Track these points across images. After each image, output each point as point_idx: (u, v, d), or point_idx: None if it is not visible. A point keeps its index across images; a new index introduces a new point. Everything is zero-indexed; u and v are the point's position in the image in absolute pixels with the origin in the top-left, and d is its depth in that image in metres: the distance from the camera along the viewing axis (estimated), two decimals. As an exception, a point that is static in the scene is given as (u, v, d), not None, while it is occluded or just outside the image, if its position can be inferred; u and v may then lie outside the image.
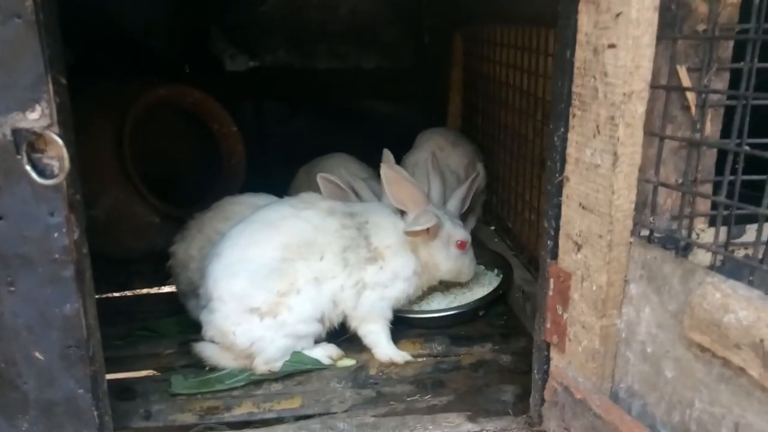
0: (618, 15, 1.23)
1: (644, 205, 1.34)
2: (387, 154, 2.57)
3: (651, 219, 1.32)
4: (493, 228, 2.88)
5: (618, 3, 1.23)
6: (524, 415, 1.71)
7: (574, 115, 1.39)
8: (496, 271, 2.48)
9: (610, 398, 1.42)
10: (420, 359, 2.08)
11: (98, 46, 2.96)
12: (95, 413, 1.51)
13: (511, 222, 2.68)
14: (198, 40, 3.39)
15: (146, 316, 2.48)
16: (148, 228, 2.72)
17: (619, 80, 1.25)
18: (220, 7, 3.35)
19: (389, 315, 2.08)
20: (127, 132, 2.53)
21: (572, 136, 1.41)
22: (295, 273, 1.91)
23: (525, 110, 2.41)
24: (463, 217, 2.64)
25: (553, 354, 1.56)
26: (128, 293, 2.74)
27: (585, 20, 1.33)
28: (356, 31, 3.50)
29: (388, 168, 2.05)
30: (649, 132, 1.28)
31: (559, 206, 1.48)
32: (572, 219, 1.43)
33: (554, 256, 1.51)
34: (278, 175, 3.00)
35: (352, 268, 1.99)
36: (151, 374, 2.06)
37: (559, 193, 1.47)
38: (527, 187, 2.45)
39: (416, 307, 2.27)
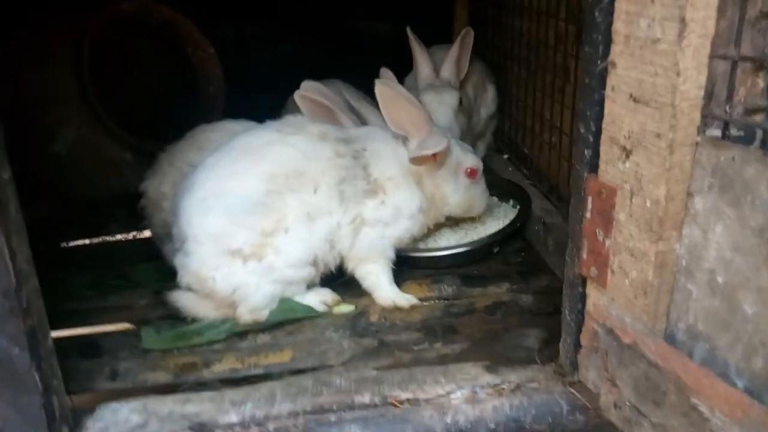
0: None
1: (712, 94, 1.02)
2: (385, 71, 2.24)
3: (726, 109, 1.00)
4: (506, 156, 2.57)
5: None
6: (553, 363, 1.44)
7: (623, -22, 1.06)
8: (511, 202, 2.18)
9: (664, 341, 1.14)
10: (427, 303, 1.80)
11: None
12: (36, 376, 1.25)
13: (528, 147, 2.36)
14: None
15: (121, 263, 2.21)
16: (119, 165, 2.43)
17: None
18: None
19: (391, 254, 1.80)
20: (86, 55, 2.20)
21: (621, 6, 1.08)
22: (283, 208, 1.62)
23: (545, 10, 2.06)
24: (473, 144, 2.33)
25: (591, 290, 1.27)
26: (102, 239, 2.47)
27: None
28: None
29: (383, 85, 1.72)
30: (727, -11, 0.95)
31: (600, 103, 1.16)
32: (619, 117, 1.12)
33: (593, 168, 1.21)
34: (263, 105, 2.67)
35: (349, 203, 1.69)
36: (120, 328, 1.80)
37: (602, 85, 1.15)
38: (546, 104, 2.12)
39: (422, 245, 1.98)
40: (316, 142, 1.70)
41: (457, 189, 1.84)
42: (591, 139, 1.19)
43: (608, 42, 1.12)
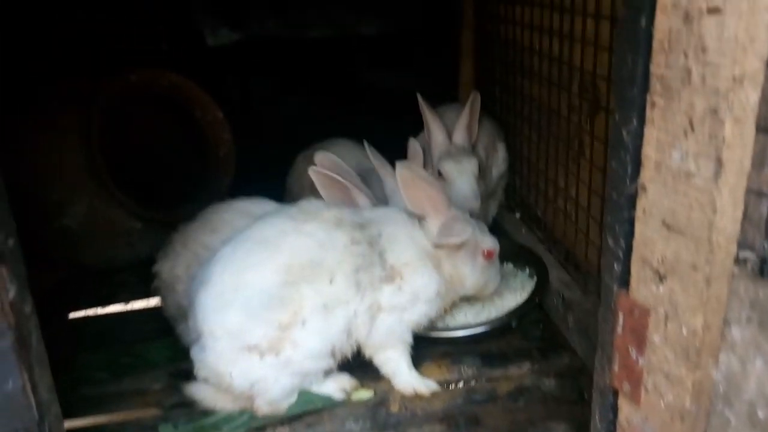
0: (724, -34, 0.87)
1: (749, 224, 1.00)
2: (413, 143, 2.24)
3: (765, 244, 0.98)
4: (518, 216, 2.54)
5: (725, -52, 0.87)
6: (582, 465, 1.41)
7: (653, 105, 1.04)
8: (527, 270, 2.15)
9: (702, 465, 1.11)
10: (448, 388, 1.77)
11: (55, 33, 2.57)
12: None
13: (541, 210, 2.34)
14: (176, 12, 2.99)
15: (133, 336, 2.19)
16: (129, 235, 2.41)
17: (726, 58, 0.89)
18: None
19: (409, 339, 1.77)
20: (95, 128, 2.19)
21: (651, 132, 1.06)
22: (299, 299, 1.60)
23: (556, 81, 2.04)
24: (484, 201, 2.31)
25: (623, 403, 1.25)
26: (112, 310, 2.44)
27: (670, -25, 0.97)
28: (351, -9, 3.10)
29: (404, 168, 1.71)
30: (764, 127, 0.94)
31: (630, 222, 1.14)
32: (651, 241, 1.10)
33: (624, 283, 1.18)
34: (273, 163, 2.66)
35: (365, 291, 1.67)
36: (137, 416, 1.77)
37: (632, 206, 1.13)
38: (560, 173, 2.10)
39: (439, 321, 1.95)
40: (331, 230, 1.68)
41: (474, 270, 1.82)
42: (621, 255, 1.17)
43: (637, 164, 1.10)
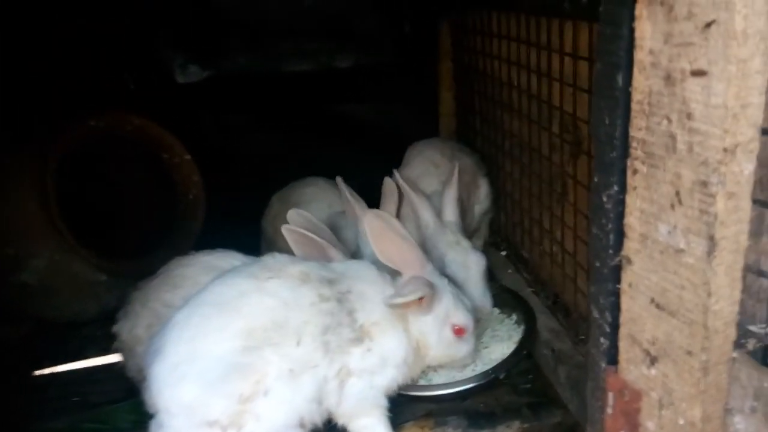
0: (708, 25, 0.78)
1: (747, 308, 0.90)
2: (388, 185, 2.12)
3: (766, 328, 0.88)
4: (504, 254, 2.44)
5: (707, 6, 0.77)
6: None
7: (635, 171, 0.94)
8: (514, 317, 2.04)
9: None
10: (432, 453, 1.66)
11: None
12: None
13: (527, 250, 2.23)
14: (142, 49, 2.88)
15: (99, 397, 2.06)
16: (95, 287, 2.28)
17: (715, 127, 0.80)
18: (162, 6, 2.83)
19: (384, 402, 1.64)
20: (51, 177, 2.07)
21: (634, 201, 0.96)
22: (262, 366, 1.47)
23: (536, 119, 1.95)
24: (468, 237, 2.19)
25: (617, 490, 1.13)
26: (78, 366, 2.31)
27: (648, 30, 0.87)
28: (326, 24, 2.99)
29: (374, 217, 1.60)
30: (760, 200, 0.84)
31: (616, 294, 1.04)
32: (640, 318, 0.99)
33: (613, 360, 1.08)
34: (249, 203, 2.56)
35: (334, 353, 1.55)
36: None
37: (616, 278, 1.03)
38: (544, 214, 2.00)
39: (421, 378, 1.83)
40: (296, 287, 1.57)
41: (440, 343, 1.70)
42: (607, 330, 1.07)
43: (620, 233, 0.99)
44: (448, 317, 1.70)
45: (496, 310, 2.09)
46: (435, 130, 2.92)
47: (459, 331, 1.71)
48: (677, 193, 0.87)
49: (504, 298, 2.10)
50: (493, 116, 2.38)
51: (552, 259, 1.97)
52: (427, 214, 2.10)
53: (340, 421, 1.62)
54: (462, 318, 1.71)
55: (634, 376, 1.03)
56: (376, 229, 1.64)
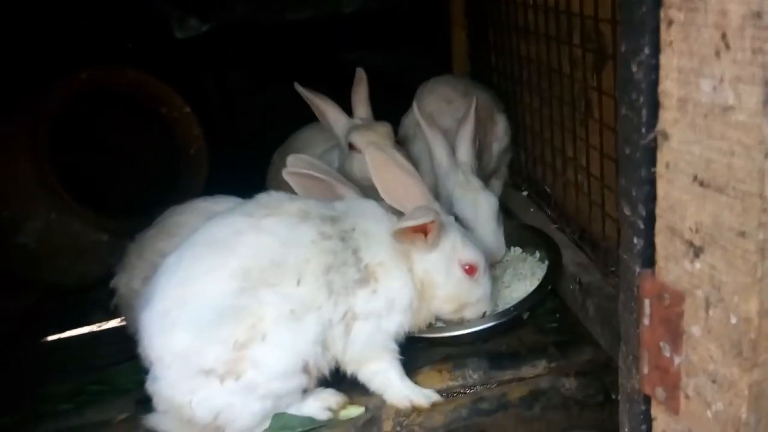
0: None
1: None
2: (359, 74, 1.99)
3: (840, 194, 0.72)
4: (525, 193, 2.28)
5: None
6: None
7: (671, 23, 0.78)
8: (537, 254, 1.89)
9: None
10: (451, 396, 1.53)
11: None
12: None
13: (550, 185, 2.07)
14: (139, 6, 2.76)
15: (104, 360, 1.99)
16: (96, 248, 2.19)
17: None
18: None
19: (393, 346, 1.52)
20: (44, 135, 1.97)
21: (670, 61, 0.80)
22: (258, 309, 1.35)
23: (554, 35, 1.78)
24: (486, 182, 2.04)
25: (658, 413, 0.98)
26: (85, 330, 2.24)
27: None
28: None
29: (375, 150, 1.47)
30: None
31: (651, 182, 0.88)
32: (681, 203, 0.84)
33: (649, 262, 0.92)
34: (253, 160, 2.44)
35: (338, 296, 1.42)
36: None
37: (650, 161, 0.87)
38: (567, 139, 1.84)
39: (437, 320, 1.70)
40: (295, 225, 1.44)
41: (449, 281, 1.55)
42: (641, 226, 0.91)
43: (654, 105, 0.84)
44: (455, 253, 1.56)
45: (518, 249, 1.95)
46: (448, 72, 2.75)
47: (470, 270, 1.57)
48: (723, 36, 0.71)
49: (525, 235, 1.96)
50: (509, 47, 2.21)
51: (577, 189, 1.82)
52: (440, 152, 1.95)
53: (350, 369, 1.50)
54: (470, 254, 1.57)
55: (674, 275, 0.87)
56: (379, 163, 1.50)
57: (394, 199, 1.51)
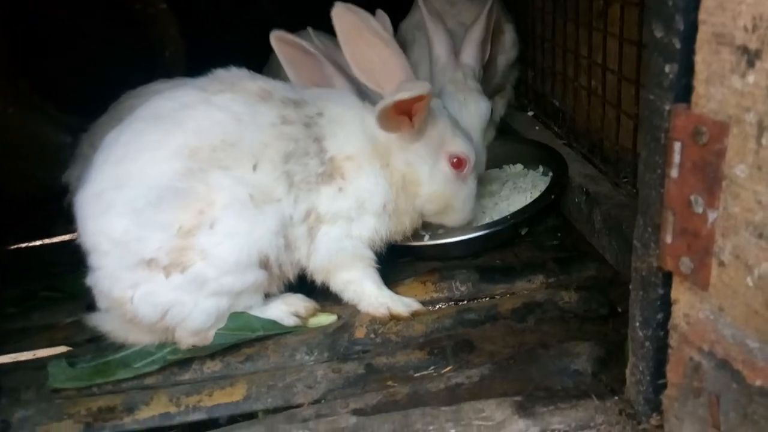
0: None
1: None
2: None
3: None
4: (531, 113, 2.07)
5: None
6: (616, 398, 0.98)
7: None
8: (540, 168, 1.70)
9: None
10: (435, 307, 1.35)
11: None
12: None
13: (559, 98, 1.87)
14: None
15: (60, 270, 1.82)
16: (59, 151, 2.00)
17: None
18: None
19: (368, 253, 1.33)
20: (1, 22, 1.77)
21: None
22: (207, 193, 1.17)
23: None
24: (489, 97, 1.84)
25: (680, 293, 0.80)
26: (45, 242, 2.07)
27: None
28: None
29: (344, 8, 1.26)
30: None
31: (693, -21, 0.68)
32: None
33: (683, 94, 0.73)
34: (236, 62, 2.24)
35: (299, 190, 1.24)
36: (31, 356, 1.40)
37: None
38: (582, 38, 1.63)
39: (424, 229, 1.51)
40: (254, 103, 1.25)
41: (434, 176, 1.35)
42: (677, 45, 0.71)
43: None
44: (444, 144, 1.36)
45: (519, 166, 1.75)
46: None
47: (458, 164, 1.37)
48: None
49: (528, 150, 1.76)
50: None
51: (590, 93, 1.61)
52: (440, 47, 1.74)
53: (318, 277, 1.33)
54: (461, 145, 1.37)
55: (717, 101, 0.68)
56: (348, 26, 1.28)
57: (367, 73, 1.29)
